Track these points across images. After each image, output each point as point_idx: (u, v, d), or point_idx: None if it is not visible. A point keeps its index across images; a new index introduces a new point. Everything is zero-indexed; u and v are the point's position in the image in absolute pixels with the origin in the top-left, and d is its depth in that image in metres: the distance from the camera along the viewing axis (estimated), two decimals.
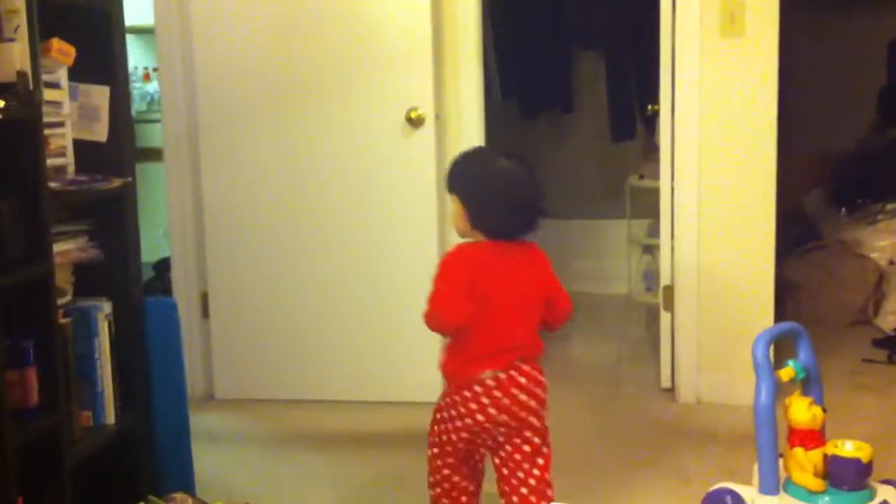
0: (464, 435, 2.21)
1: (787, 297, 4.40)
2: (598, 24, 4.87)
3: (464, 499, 2.31)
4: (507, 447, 2.22)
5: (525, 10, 4.85)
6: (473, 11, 3.51)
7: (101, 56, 2.41)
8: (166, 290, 3.84)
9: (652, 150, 4.38)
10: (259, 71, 3.52)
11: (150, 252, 4.27)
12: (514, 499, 2.23)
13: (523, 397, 2.19)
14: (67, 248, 2.31)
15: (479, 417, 2.18)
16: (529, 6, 4.86)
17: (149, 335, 2.52)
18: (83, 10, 2.37)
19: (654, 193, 3.66)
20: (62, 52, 2.21)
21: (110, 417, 2.43)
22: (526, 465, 2.22)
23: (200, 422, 3.14)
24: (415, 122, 3.45)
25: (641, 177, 4.43)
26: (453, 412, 2.22)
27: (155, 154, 4.07)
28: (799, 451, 1.89)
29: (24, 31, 2.05)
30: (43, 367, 2.16)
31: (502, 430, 2.20)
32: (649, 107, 3.98)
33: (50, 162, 2.25)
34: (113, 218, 2.46)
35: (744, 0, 3.29)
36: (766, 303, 3.45)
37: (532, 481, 2.22)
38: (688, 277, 3.52)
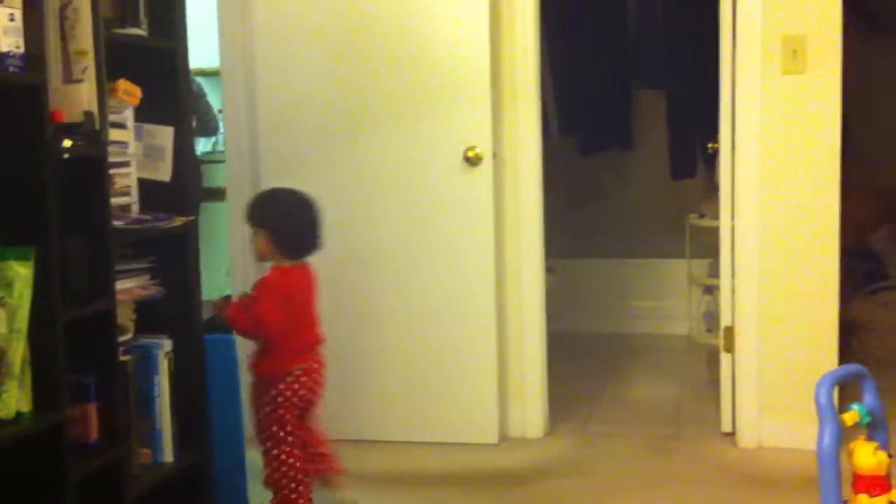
0: (297, 412, 2.72)
1: (853, 338, 4.31)
2: (658, 60, 4.86)
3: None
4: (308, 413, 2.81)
5: (584, 45, 4.86)
6: (531, 49, 3.52)
7: (166, 97, 2.46)
8: (227, 330, 3.87)
9: (712, 189, 4.33)
10: (319, 108, 3.56)
11: (213, 290, 4.33)
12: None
13: (322, 379, 2.81)
14: (129, 286, 2.36)
15: (307, 394, 2.73)
16: (589, 41, 4.87)
17: (208, 372, 2.54)
18: (150, 51, 2.43)
19: (715, 232, 3.62)
20: (128, 92, 2.26)
21: (169, 455, 2.46)
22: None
23: (258, 460, 3.14)
24: (472, 161, 3.46)
25: (702, 215, 4.38)
26: (285, 396, 2.68)
27: (220, 193, 4.13)
28: (863, 497, 1.85)
29: (91, 73, 2.11)
30: (104, 403, 2.20)
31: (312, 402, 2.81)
32: (709, 145, 3.94)
33: (115, 200, 2.30)
34: (175, 256, 2.50)
35: (805, 36, 3.25)
36: (830, 344, 3.37)
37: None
38: (748, 318, 3.46)
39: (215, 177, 4.96)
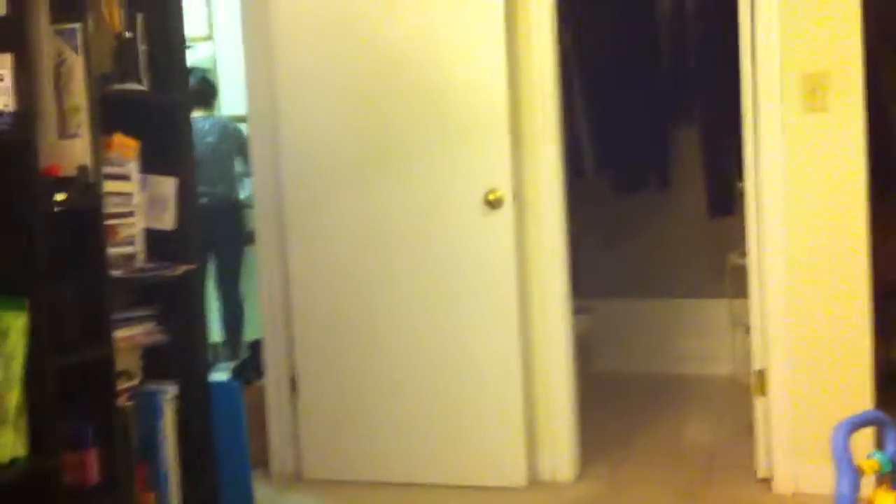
0: None
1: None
2: (694, 97, 4.81)
3: None
4: None
5: (619, 84, 4.84)
6: (551, 89, 3.51)
7: (169, 148, 2.53)
8: (260, 369, 3.93)
9: None
10: (341, 153, 3.59)
11: (254, 331, 4.39)
12: None
13: None
14: (133, 333, 2.41)
15: None
16: (624, 80, 4.84)
17: (214, 416, 2.57)
18: (151, 105, 2.49)
19: None
20: (124, 145, 2.33)
21: (175, 499, 2.49)
22: None
23: (288, 502, 3.15)
24: (493, 204, 3.45)
25: (743, 254, 4.30)
26: None
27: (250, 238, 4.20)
28: None
29: (85, 128, 2.17)
30: (104, 447, 2.24)
31: None
32: (739, 182, 3.87)
33: (119, 250, 2.36)
34: (180, 302, 2.55)
35: (827, 72, 3.18)
36: (864, 387, 3.26)
37: None
38: (780, 360, 3.36)
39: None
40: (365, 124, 3.57)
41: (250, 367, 4.16)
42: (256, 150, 3.79)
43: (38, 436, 2.06)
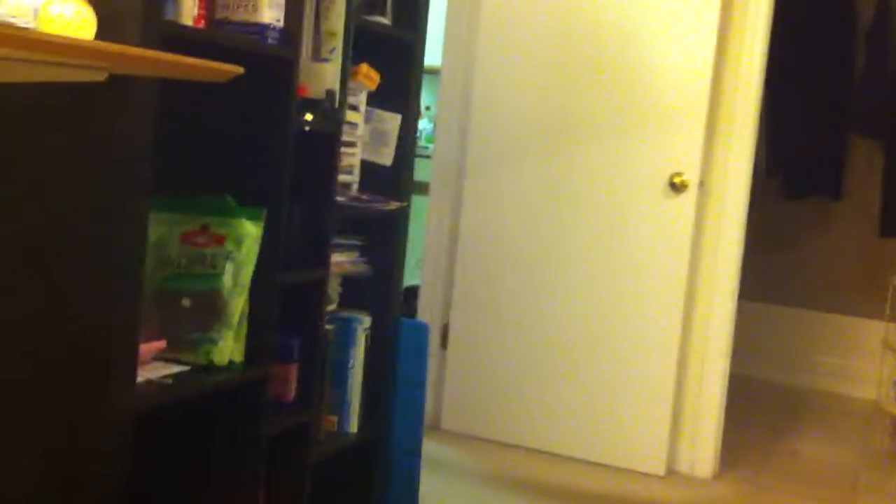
0: None
1: None
2: (882, 108, 4.65)
3: None
4: None
5: (804, 84, 4.71)
6: (755, 82, 3.45)
7: (398, 86, 2.56)
8: (410, 317, 3.97)
9: None
10: (530, 115, 3.61)
11: (410, 276, 4.42)
12: None
13: None
14: (341, 260, 2.45)
15: None
16: (810, 80, 4.71)
17: (399, 354, 2.61)
18: (391, 40, 2.52)
19: None
20: (369, 77, 2.36)
21: (353, 426, 2.54)
22: None
23: (425, 448, 3.19)
24: (677, 187, 3.41)
25: None
26: None
27: (416, 187, 4.23)
28: None
29: (338, 54, 2.21)
30: (304, 366, 2.30)
31: None
32: None
33: (339, 178, 2.40)
34: (384, 238, 2.59)
35: None
36: None
37: None
38: None
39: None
40: (559, 94, 3.56)
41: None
42: (445, 103, 3.82)
43: (253, 345, 2.12)
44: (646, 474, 3.50)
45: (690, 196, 3.42)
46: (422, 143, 5.25)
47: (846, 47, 4.77)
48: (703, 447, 3.57)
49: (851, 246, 4.97)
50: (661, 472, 3.51)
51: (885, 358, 4.50)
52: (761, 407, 4.58)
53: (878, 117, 4.70)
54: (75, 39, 1.45)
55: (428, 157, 3.99)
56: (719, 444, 3.60)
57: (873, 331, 4.59)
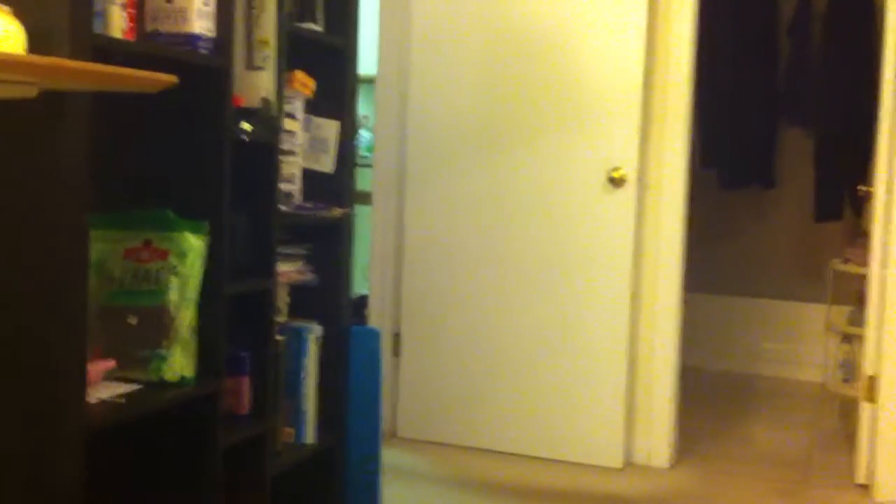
0: None
1: None
2: (811, 96, 4.76)
3: None
4: None
5: (733, 76, 4.80)
6: (685, 76, 3.50)
7: (334, 92, 2.56)
8: (362, 324, 3.95)
9: (859, 234, 4.22)
10: (468, 118, 3.63)
11: (358, 285, 4.39)
12: None
13: None
14: (287, 270, 2.44)
15: None
16: (738, 72, 4.81)
17: (352, 361, 2.61)
18: (323, 46, 2.52)
19: (859, 279, 3.51)
20: (304, 84, 2.36)
21: (311, 436, 2.52)
22: None
23: (383, 457, 3.18)
24: (616, 182, 3.46)
25: (846, 261, 4.26)
26: None
27: (359, 197, 4.22)
28: None
29: (272, 62, 2.20)
30: (257, 378, 2.28)
31: None
32: (860, 187, 3.83)
33: (281, 187, 2.39)
34: (330, 246, 2.58)
35: None
36: None
37: None
38: (894, 367, 3.34)
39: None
40: (495, 95, 3.59)
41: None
42: (382, 110, 3.82)
43: (203, 359, 2.10)
44: (604, 467, 3.52)
45: (630, 191, 3.46)
46: (361, 152, 5.25)
47: (770, 40, 4.88)
48: (658, 438, 3.60)
49: (789, 232, 5.07)
50: (619, 464, 3.53)
51: (829, 340, 4.60)
52: (712, 396, 4.65)
53: (804, 106, 4.81)
54: (5, 54, 1.43)
55: (369, 166, 3.99)
56: (674, 434, 3.64)
57: (816, 314, 4.69)
